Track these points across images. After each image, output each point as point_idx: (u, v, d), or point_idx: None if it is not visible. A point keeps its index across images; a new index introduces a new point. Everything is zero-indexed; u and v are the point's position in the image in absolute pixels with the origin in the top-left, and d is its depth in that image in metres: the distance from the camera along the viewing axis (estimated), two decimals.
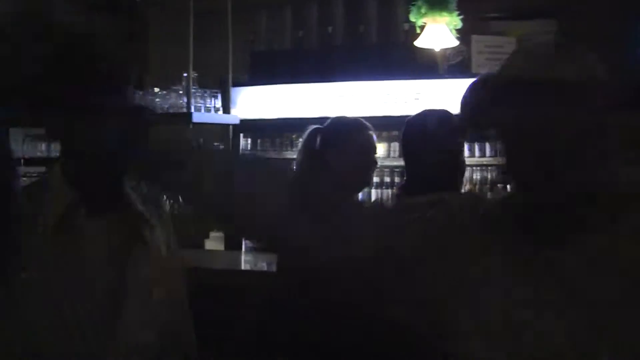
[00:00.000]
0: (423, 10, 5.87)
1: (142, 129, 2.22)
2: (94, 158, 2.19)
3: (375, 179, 7.38)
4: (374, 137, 4.11)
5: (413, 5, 5.96)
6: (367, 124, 4.15)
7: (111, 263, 2.24)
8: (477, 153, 7.04)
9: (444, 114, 4.15)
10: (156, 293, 2.39)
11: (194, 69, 5.72)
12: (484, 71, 6.88)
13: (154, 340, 2.38)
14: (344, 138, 4.04)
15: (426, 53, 6.54)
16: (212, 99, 6.14)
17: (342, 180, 3.99)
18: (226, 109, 6.58)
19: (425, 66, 6.91)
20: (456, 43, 6.03)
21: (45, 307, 2.09)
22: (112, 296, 2.22)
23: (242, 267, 6.57)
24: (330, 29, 7.61)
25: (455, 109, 6.76)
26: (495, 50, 6.94)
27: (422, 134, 4.05)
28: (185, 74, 5.65)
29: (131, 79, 2.26)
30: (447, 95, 6.73)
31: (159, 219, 2.47)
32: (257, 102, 7.42)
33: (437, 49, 6.32)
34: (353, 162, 3.99)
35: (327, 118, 7.09)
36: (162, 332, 2.45)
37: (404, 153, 4.25)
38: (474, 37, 6.96)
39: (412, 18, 6.01)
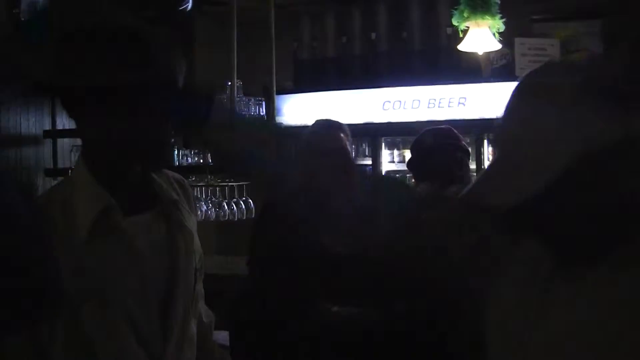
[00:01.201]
0: (465, 14, 5.87)
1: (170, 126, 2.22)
2: (127, 151, 2.14)
3: None
4: (346, 140, 4.09)
5: (455, 9, 5.96)
6: (342, 126, 4.15)
7: (160, 256, 2.22)
8: None
9: (446, 131, 4.18)
10: (199, 282, 2.40)
11: (238, 77, 5.76)
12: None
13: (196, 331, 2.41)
14: (314, 141, 4.06)
15: (470, 57, 6.53)
16: (257, 106, 6.18)
17: (312, 183, 4.01)
18: (271, 116, 6.61)
19: (469, 70, 6.90)
20: (499, 46, 6.02)
21: (98, 312, 2.05)
22: (162, 290, 2.20)
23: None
24: (373, 35, 7.62)
25: (500, 112, 6.74)
26: (539, 52, 6.91)
27: (428, 152, 4.08)
28: (229, 82, 5.69)
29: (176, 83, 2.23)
30: (492, 98, 6.72)
31: (188, 205, 2.46)
32: (301, 108, 7.45)
33: (480, 52, 6.30)
34: (322, 165, 4.00)
35: (371, 124, 7.15)
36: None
37: (414, 174, 4.28)
38: (517, 40, 6.94)
39: (454, 22, 6.00)
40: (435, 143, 4.07)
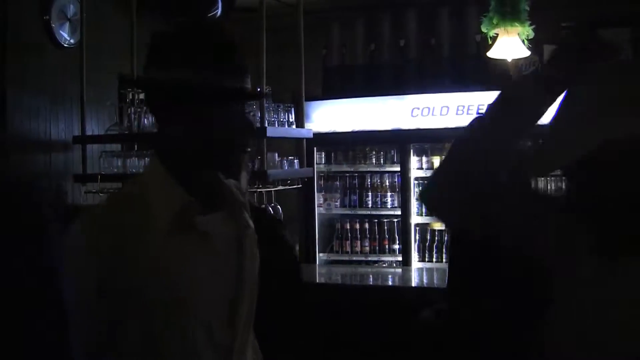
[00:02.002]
0: (495, 21, 5.86)
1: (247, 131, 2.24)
2: (208, 156, 2.17)
3: None
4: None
5: (485, 16, 5.95)
6: None
7: (230, 256, 2.24)
8: None
9: None
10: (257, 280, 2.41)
11: (267, 84, 5.78)
12: None
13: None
14: None
15: (499, 64, 6.51)
16: (286, 113, 6.19)
17: None
18: (300, 122, 6.62)
19: (498, 77, 6.88)
20: (528, 53, 6.00)
21: (174, 310, 2.06)
22: (231, 289, 2.23)
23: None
24: (402, 42, 7.62)
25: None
26: None
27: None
28: (258, 89, 5.70)
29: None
30: None
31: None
32: (330, 115, 7.48)
33: (509, 59, 6.29)
34: None
35: (399, 130, 7.15)
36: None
37: None
38: (547, 47, 6.91)
39: (483, 29, 5.99)
40: None
